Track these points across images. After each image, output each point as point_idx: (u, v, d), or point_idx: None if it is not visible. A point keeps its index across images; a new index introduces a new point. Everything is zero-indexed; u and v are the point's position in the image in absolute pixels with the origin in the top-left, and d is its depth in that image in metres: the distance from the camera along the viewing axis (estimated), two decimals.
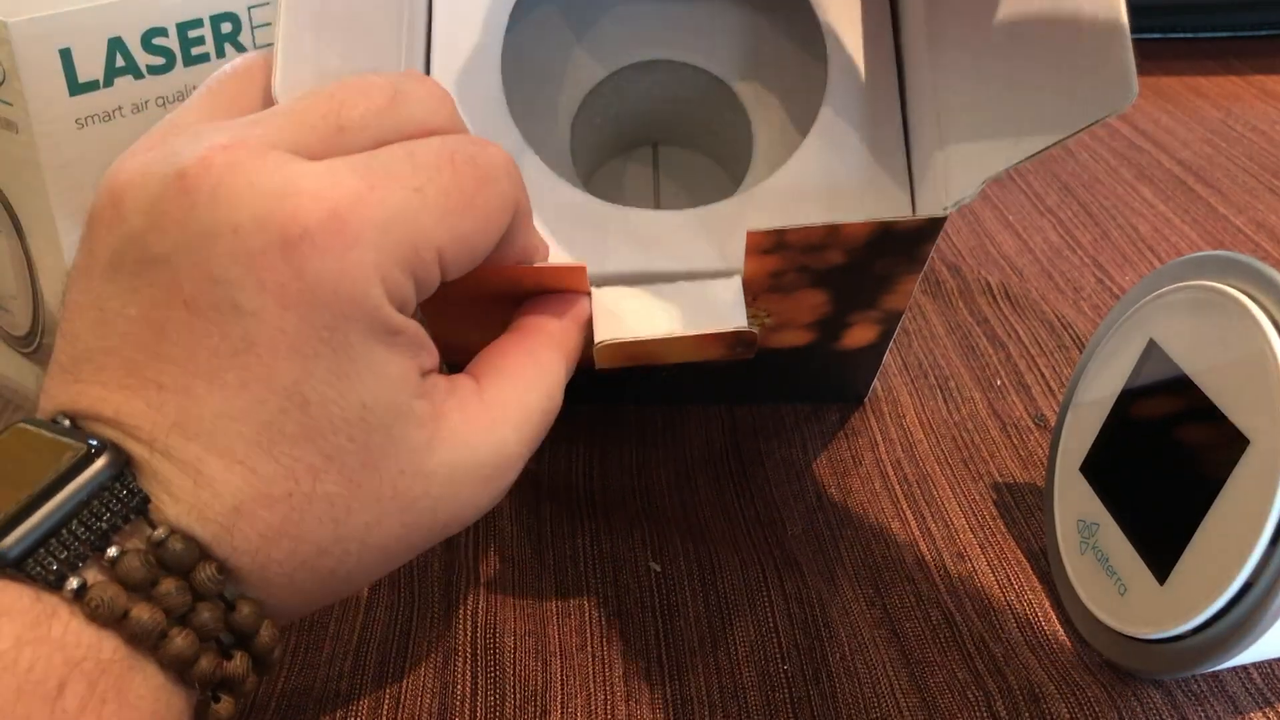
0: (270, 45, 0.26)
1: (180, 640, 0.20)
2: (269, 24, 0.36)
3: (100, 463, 0.20)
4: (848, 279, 0.29)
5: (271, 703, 0.30)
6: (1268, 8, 0.71)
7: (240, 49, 0.35)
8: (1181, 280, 0.29)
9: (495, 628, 0.31)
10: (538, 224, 0.29)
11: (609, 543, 0.35)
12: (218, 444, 0.21)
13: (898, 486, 0.37)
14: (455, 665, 0.30)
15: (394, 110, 0.23)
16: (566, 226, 0.32)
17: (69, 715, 0.19)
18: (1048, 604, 0.32)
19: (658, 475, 0.37)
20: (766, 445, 0.39)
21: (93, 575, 0.20)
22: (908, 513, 0.36)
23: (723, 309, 0.29)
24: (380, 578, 0.25)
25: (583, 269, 0.28)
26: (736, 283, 0.30)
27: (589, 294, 0.29)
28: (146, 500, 0.20)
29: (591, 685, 0.30)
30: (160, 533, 0.20)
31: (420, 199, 0.22)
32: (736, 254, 0.29)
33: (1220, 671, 0.30)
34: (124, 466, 0.20)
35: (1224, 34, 0.73)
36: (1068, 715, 0.28)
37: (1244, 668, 0.30)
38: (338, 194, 0.21)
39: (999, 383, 0.42)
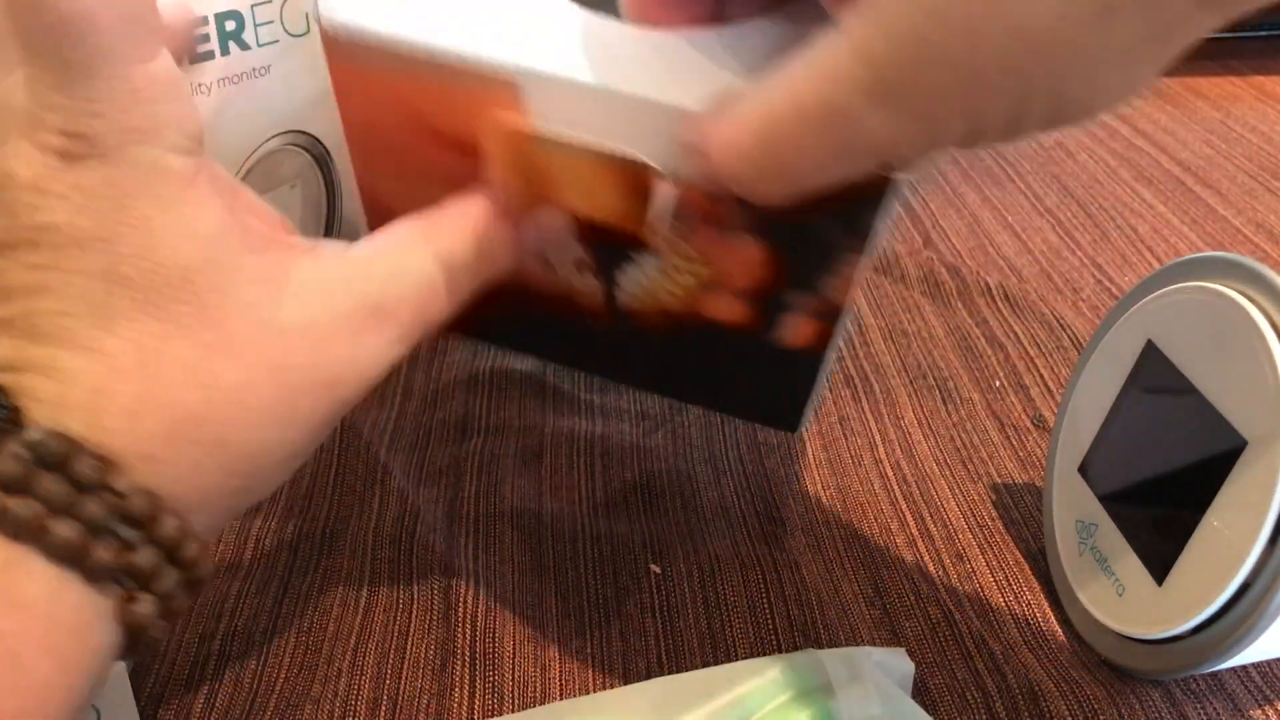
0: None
1: (64, 529, 0.20)
2: (272, 21, 0.36)
3: None
4: (786, 232, 0.27)
5: (270, 703, 0.30)
6: (1267, 8, 0.71)
7: (244, 47, 0.35)
8: (1180, 281, 0.29)
9: (494, 631, 0.31)
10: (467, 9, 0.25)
11: (609, 545, 0.35)
12: (62, 340, 0.21)
13: (897, 487, 0.37)
14: (454, 668, 0.30)
15: None
16: (514, 21, 0.26)
17: None
18: (1046, 604, 0.32)
19: (657, 477, 0.37)
20: (766, 445, 0.39)
21: None
22: (907, 513, 0.36)
23: (642, 141, 0.25)
24: (297, 456, 0.25)
25: (512, 85, 0.24)
26: (673, 122, 0.24)
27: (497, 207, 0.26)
28: (12, 410, 0.21)
29: (591, 688, 0.30)
30: (33, 433, 0.21)
31: None
32: (690, 93, 0.24)
33: (1219, 670, 0.30)
34: None
35: (1223, 35, 0.73)
36: (1067, 714, 0.28)
37: (1243, 666, 0.30)
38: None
39: (998, 384, 0.42)
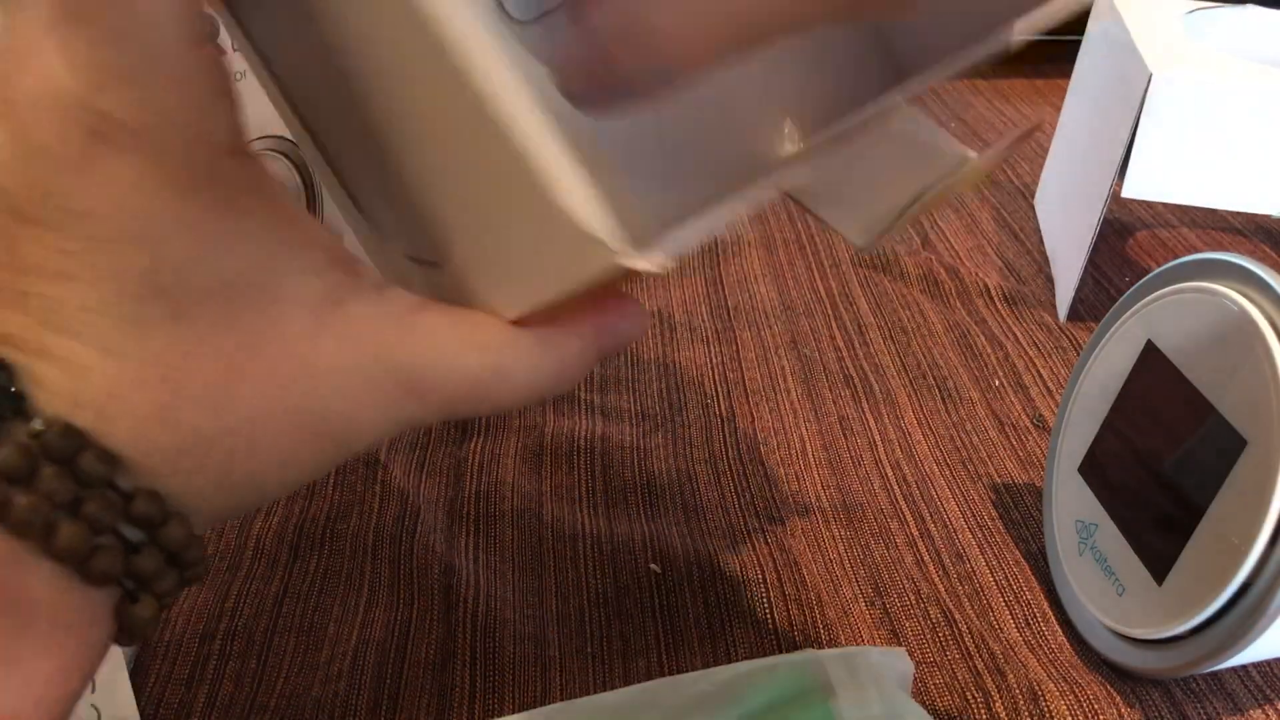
0: None
1: (68, 530, 0.20)
2: None
3: None
4: None
5: (271, 703, 0.30)
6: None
7: (220, 52, 0.36)
8: (1180, 282, 0.29)
9: (495, 631, 0.31)
10: None
11: (609, 545, 0.35)
12: (85, 337, 0.21)
13: (897, 487, 0.37)
14: (454, 668, 0.30)
15: None
16: None
17: None
18: (1046, 604, 0.32)
19: (657, 477, 0.38)
20: (766, 444, 0.39)
21: None
22: (907, 513, 0.36)
23: None
24: (291, 490, 0.24)
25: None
26: None
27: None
28: (22, 399, 0.20)
29: (591, 688, 0.30)
30: (38, 424, 0.20)
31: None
32: None
33: (1219, 670, 0.30)
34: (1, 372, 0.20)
35: None
36: (1067, 714, 0.28)
37: (1243, 666, 0.30)
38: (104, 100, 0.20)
39: (997, 383, 0.42)
